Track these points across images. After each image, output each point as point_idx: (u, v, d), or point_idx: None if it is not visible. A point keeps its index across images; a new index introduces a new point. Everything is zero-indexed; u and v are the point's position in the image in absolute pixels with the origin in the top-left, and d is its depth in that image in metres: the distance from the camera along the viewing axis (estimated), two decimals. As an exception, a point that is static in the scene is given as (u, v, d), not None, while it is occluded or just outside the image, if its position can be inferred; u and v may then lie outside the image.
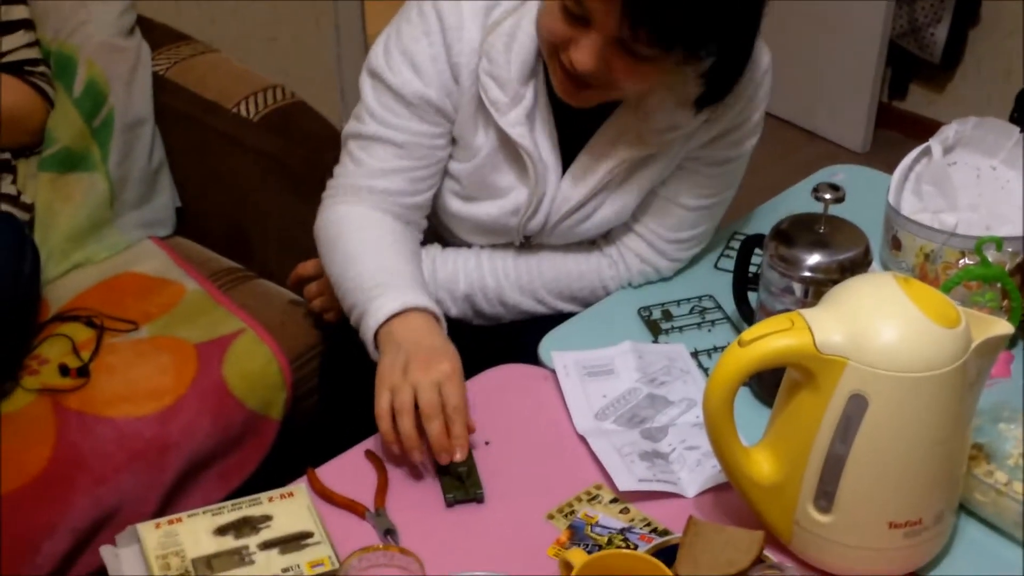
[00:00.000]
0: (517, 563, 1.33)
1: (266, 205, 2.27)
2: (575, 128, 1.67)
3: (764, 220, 1.91)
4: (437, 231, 1.83)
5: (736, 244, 1.84)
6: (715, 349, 1.68)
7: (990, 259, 1.64)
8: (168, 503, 1.86)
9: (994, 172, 1.86)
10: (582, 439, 1.52)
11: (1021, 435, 1.41)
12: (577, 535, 1.38)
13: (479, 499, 1.43)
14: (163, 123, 2.31)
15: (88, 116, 2.18)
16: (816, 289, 1.50)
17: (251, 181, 2.27)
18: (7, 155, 2.15)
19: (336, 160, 1.72)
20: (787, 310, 1.41)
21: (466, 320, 1.79)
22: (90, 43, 2.20)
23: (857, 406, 1.24)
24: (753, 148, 1.74)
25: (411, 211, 1.69)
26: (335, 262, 1.65)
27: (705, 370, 1.64)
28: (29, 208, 2.13)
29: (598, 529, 1.38)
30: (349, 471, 1.48)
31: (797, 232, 1.55)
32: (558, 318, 1.75)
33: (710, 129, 1.67)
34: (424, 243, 1.78)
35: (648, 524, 1.39)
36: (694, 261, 1.86)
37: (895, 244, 1.77)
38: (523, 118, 1.62)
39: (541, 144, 1.65)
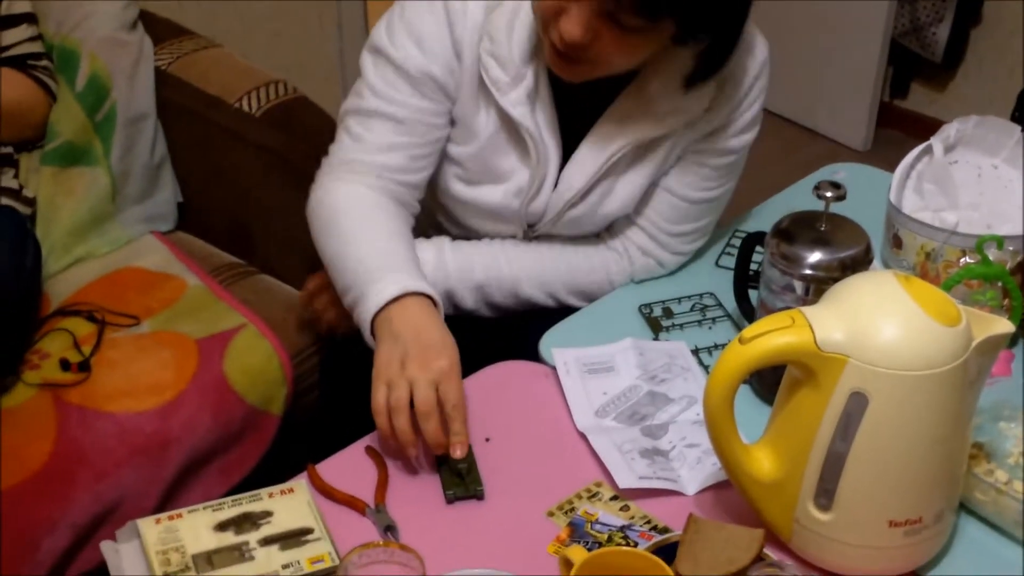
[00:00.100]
0: (517, 560, 1.33)
1: (268, 200, 2.27)
2: (577, 114, 1.68)
3: (765, 218, 1.91)
4: (439, 221, 1.83)
5: (737, 242, 1.84)
6: (716, 346, 1.68)
7: (991, 258, 1.64)
8: (168, 498, 1.86)
9: (995, 171, 1.86)
10: (582, 436, 1.52)
11: (1021, 434, 1.41)
12: (577, 532, 1.38)
13: (479, 496, 1.43)
14: (165, 118, 2.31)
15: (90, 110, 2.18)
16: (817, 287, 1.50)
17: (253, 176, 2.27)
18: (9, 149, 2.15)
19: None
20: (788, 308, 1.41)
21: (476, 312, 1.78)
22: (93, 37, 2.21)
23: (857, 404, 1.24)
24: (752, 142, 1.75)
25: (408, 190, 1.69)
26: (331, 243, 1.63)
27: (706, 367, 1.64)
28: (31, 202, 2.14)
29: (598, 526, 1.38)
30: (349, 467, 1.48)
31: (798, 230, 1.55)
32: (559, 315, 1.75)
33: (711, 120, 1.68)
34: (427, 235, 1.78)
35: (648, 522, 1.40)
36: (695, 258, 1.86)
37: (896, 242, 1.77)
38: (524, 98, 1.62)
39: (542, 124, 1.66)
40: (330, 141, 1.72)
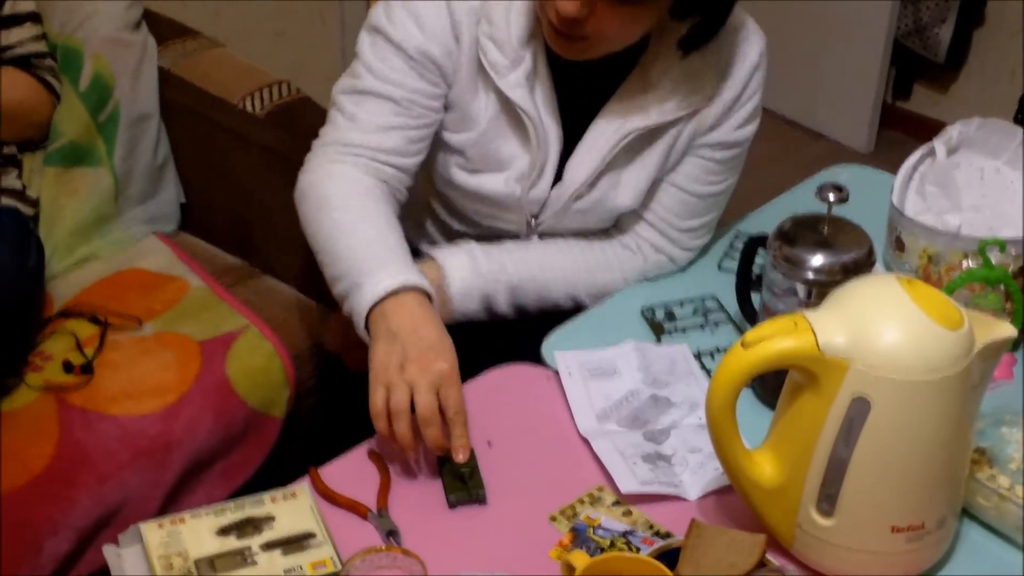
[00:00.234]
0: (519, 565, 1.33)
1: (271, 201, 2.27)
2: (578, 104, 1.69)
3: (767, 220, 1.90)
4: (441, 217, 1.83)
5: (739, 245, 1.84)
6: (718, 350, 1.68)
7: (993, 261, 1.64)
8: (171, 501, 1.86)
9: (998, 173, 1.86)
10: (584, 440, 1.52)
11: (1023, 439, 1.41)
12: (579, 537, 1.38)
13: (481, 500, 1.43)
14: (168, 118, 2.30)
15: (94, 110, 2.18)
16: (819, 290, 1.50)
17: (256, 177, 2.26)
18: (12, 149, 2.15)
19: None
20: (790, 311, 1.41)
21: (505, 316, 1.77)
22: (96, 37, 2.20)
23: (860, 409, 1.24)
24: (754, 134, 1.77)
25: (400, 175, 1.68)
26: (322, 228, 1.60)
27: (708, 371, 1.64)
28: (34, 203, 2.13)
29: (600, 532, 1.38)
30: (352, 471, 1.48)
31: (800, 233, 1.55)
32: (560, 318, 1.75)
33: (713, 110, 1.69)
34: (427, 232, 1.79)
35: (650, 527, 1.39)
36: (697, 261, 1.87)
37: (898, 245, 1.76)
38: (523, 80, 1.63)
39: (541, 107, 1.66)
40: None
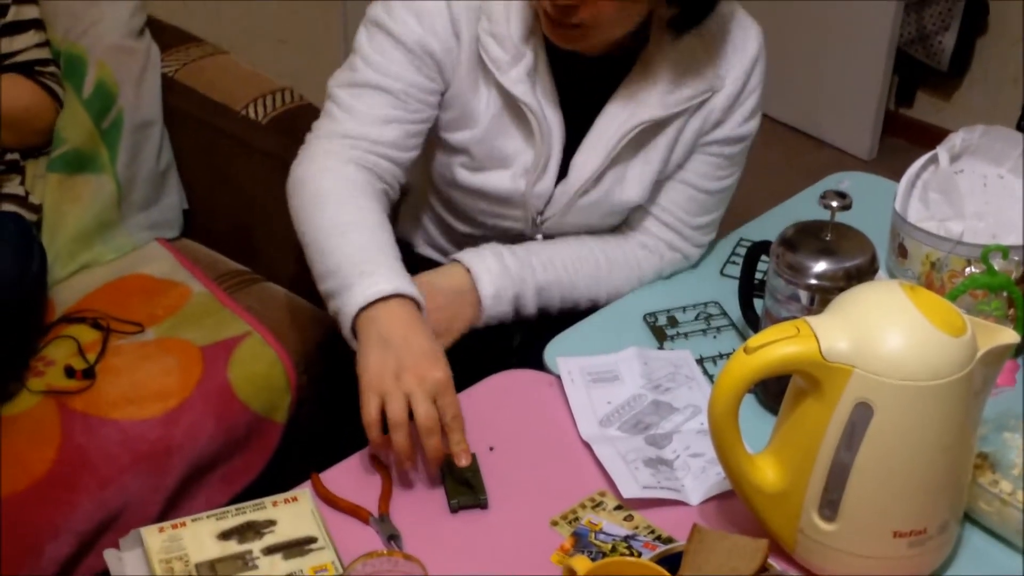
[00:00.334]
0: (521, 569, 1.34)
1: (273, 207, 2.26)
2: (580, 101, 1.70)
3: (770, 227, 1.90)
4: (446, 219, 1.84)
5: (742, 250, 1.85)
6: (720, 356, 1.68)
7: (996, 268, 1.64)
8: (172, 506, 1.86)
9: (1001, 181, 1.86)
10: (586, 445, 1.52)
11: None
12: (581, 542, 1.37)
13: (483, 505, 1.43)
14: (171, 125, 2.31)
15: (97, 117, 2.18)
16: (822, 296, 1.50)
17: (259, 183, 2.26)
18: (15, 156, 2.15)
19: None
20: (793, 317, 1.41)
21: (531, 317, 1.76)
22: (100, 44, 2.20)
23: (862, 414, 1.24)
24: (757, 129, 1.79)
25: (395, 170, 1.68)
26: (316, 224, 1.59)
27: (710, 377, 1.64)
28: (37, 209, 2.14)
29: (602, 536, 1.38)
30: (353, 476, 1.48)
31: (803, 239, 1.55)
32: (563, 323, 1.75)
33: (717, 103, 1.71)
34: (431, 236, 1.78)
35: (652, 531, 1.39)
36: (700, 267, 1.87)
37: (901, 252, 1.76)
38: (524, 76, 1.63)
39: (543, 101, 1.67)
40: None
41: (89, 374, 1.90)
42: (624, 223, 1.84)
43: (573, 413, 1.56)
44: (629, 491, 1.42)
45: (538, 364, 1.67)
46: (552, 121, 1.68)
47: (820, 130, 4.18)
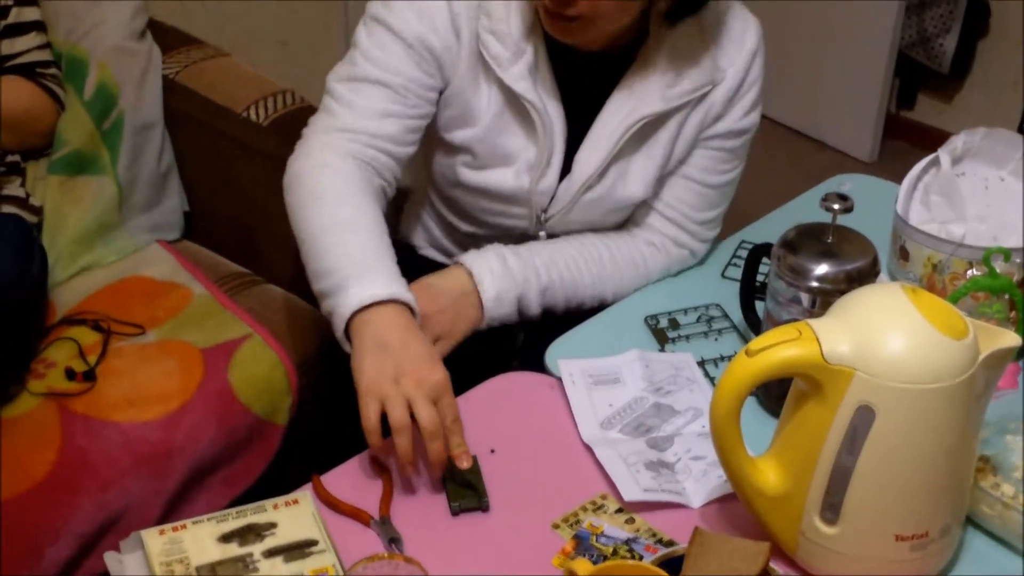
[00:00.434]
0: (522, 573, 1.33)
1: (274, 209, 2.25)
2: (581, 97, 1.70)
3: (772, 229, 1.90)
4: (448, 219, 1.83)
5: (743, 253, 1.85)
6: (722, 358, 1.68)
7: (998, 270, 1.64)
8: (172, 508, 1.86)
9: (1002, 183, 1.86)
10: (588, 448, 1.51)
11: (1027, 448, 1.41)
12: (582, 545, 1.37)
13: (484, 508, 1.43)
14: (172, 127, 2.31)
15: (98, 119, 2.18)
16: (823, 299, 1.50)
17: (260, 186, 2.26)
18: (16, 157, 2.15)
19: None
20: (794, 320, 1.41)
21: (533, 318, 1.76)
22: (101, 46, 2.21)
23: (864, 417, 1.24)
24: (758, 122, 1.79)
25: (393, 166, 1.67)
26: (313, 221, 1.58)
27: (712, 379, 1.64)
28: (37, 211, 2.13)
29: (603, 539, 1.38)
30: (354, 478, 1.48)
31: (805, 242, 1.55)
32: (567, 324, 1.75)
33: (718, 96, 1.72)
34: (433, 236, 1.78)
35: (653, 534, 1.39)
36: (701, 269, 1.87)
37: (903, 254, 1.76)
38: (525, 72, 1.64)
39: (545, 97, 1.67)
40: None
41: (90, 376, 1.89)
42: (629, 221, 1.84)
43: (574, 415, 1.56)
44: (630, 494, 1.42)
45: (541, 365, 1.67)
46: (554, 117, 1.68)
47: (821, 132, 4.18)
